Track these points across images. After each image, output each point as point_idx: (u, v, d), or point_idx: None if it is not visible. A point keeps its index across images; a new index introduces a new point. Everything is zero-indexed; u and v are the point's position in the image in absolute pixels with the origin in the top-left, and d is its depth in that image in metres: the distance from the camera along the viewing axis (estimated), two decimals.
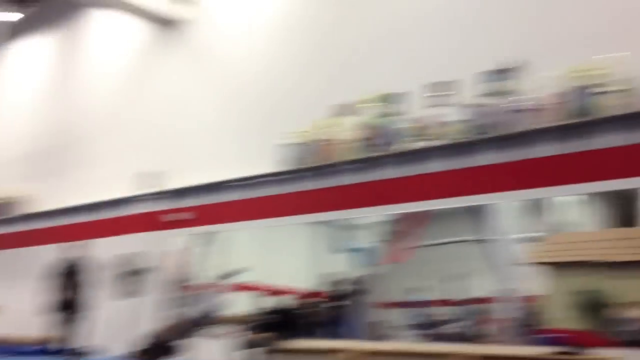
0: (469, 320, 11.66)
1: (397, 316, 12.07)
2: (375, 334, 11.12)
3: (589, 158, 8.39)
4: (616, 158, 8.15)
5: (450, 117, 9.42)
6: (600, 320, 9.55)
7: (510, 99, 8.95)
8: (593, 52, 8.22)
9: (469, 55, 9.53)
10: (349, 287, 11.69)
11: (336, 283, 11.77)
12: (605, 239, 10.07)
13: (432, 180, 9.69)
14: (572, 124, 8.40)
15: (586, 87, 8.28)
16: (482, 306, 11.92)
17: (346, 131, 10.57)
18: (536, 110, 8.70)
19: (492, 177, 9.19)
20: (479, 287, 11.46)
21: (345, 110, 10.65)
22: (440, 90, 9.65)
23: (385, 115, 10.21)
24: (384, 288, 11.76)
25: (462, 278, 11.58)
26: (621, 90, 7.99)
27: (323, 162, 10.85)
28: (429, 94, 9.74)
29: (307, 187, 11.33)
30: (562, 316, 10.29)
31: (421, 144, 9.73)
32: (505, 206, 10.36)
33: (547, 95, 8.59)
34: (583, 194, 9.64)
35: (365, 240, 11.95)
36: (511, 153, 9.08)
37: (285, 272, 12.71)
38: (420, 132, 9.72)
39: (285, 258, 12.92)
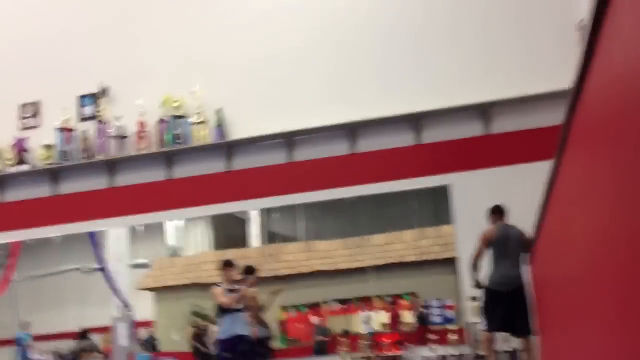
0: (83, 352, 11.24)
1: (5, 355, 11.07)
2: None
3: (192, 183, 8.61)
4: (218, 184, 8.48)
5: (41, 140, 8.80)
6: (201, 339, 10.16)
7: (106, 124, 8.70)
8: (175, 84, 8.52)
9: (62, 77, 8.99)
10: None
11: None
12: (202, 261, 10.61)
13: (19, 208, 8.94)
14: (174, 151, 8.54)
15: (180, 116, 8.50)
16: (100, 335, 11.61)
17: None
18: (137, 136, 8.64)
19: (97, 203, 8.84)
20: (92, 315, 11.09)
21: None
22: (28, 112, 8.96)
23: None
24: None
25: (71, 308, 11.07)
26: (203, 122, 8.47)
27: None
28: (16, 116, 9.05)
29: None
30: (170, 338, 10.58)
31: (13, 170, 8.90)
32: (116, 233, 10.15)
33: (143, 122, 8.58)
34: (190, 219, 9.97)
35: None
36: (116, 178, 8.84)
37: None
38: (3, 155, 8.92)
39: None
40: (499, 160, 7.61)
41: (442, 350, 7.44)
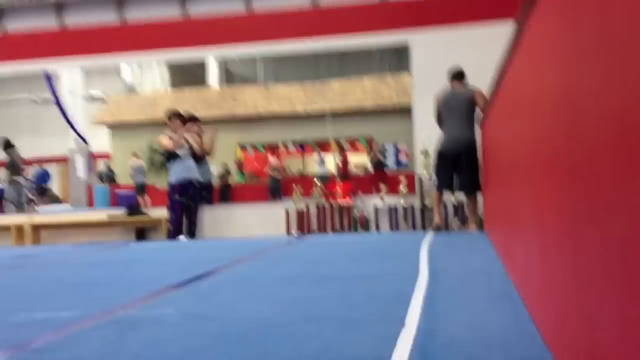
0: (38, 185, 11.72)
1: None
2: None
3: (146, 28, 8.64)
4: (174, 30, 8.53)
5: None
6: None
7: None
8: None
9: None
10: None
11: None
12: (159, 100, 10.77)
13: None
14: None
15: None
16: (56, 166, 12.03)
17: None
18: None
19: (49, 43, 8.89)
20: (47, 146, 11.38)
21: None
22: None
23: None
24: None
25: (25, 138, 11.33)
26: None
27: None
28: None
29: None
30: (127, 173, 11.06)
31: None
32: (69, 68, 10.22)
33: None
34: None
35: None
36: (66, 19, 8.79)
37: None
38: None
39: None
40: (460, 19, 7.82)
41: (391, 200, 8.05)
